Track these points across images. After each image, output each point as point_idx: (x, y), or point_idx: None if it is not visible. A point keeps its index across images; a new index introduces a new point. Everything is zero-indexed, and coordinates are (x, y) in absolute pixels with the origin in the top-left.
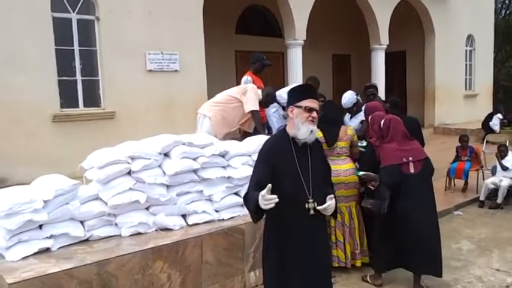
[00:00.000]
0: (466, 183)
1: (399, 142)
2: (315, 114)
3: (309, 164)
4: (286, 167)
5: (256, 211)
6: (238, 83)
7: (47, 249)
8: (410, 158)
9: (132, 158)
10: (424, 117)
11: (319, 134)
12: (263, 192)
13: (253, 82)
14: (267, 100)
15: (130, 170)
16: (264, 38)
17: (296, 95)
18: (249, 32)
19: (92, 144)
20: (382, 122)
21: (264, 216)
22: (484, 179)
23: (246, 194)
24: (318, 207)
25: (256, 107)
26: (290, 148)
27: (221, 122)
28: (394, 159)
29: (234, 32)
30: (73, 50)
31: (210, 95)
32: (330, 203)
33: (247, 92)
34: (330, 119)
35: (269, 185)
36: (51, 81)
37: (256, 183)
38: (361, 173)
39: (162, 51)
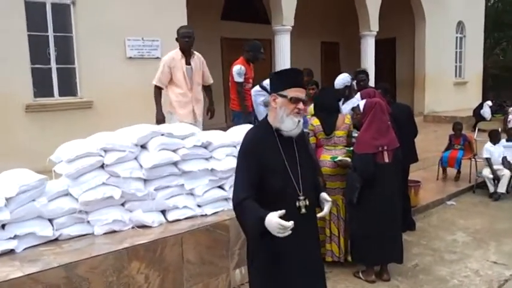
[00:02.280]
0: (458, 172)
1: (378, 129)
2: (301, 105)
3: (297, 157)
4: (272, 161)
5: (260, 232)
6: (224, 70)
7: (11, 251)
8: (385, 147)
9: (105, 151)
10: (414, 105)
11: (316, 122)
12: (280, 221)
13: (246, 72)
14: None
15: (103, 164)
16: (251, 24)
17: (281, 82)
18: (235, 19)
19: (69, 136)
20: (363, 103)
21: None
22: (476, 168)
23: (243, 201)
24: (319, 215)
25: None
26: (275, 140)
27: None
28: (370, 148)
29: (219, 18)
30: (47, 36)
31: None
32: (329, 206)
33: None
34: (328, 107)
35: (283, 211)
36: (23, 69)
37: (252, 185)
38: (338, 158)
39: (143, 38)
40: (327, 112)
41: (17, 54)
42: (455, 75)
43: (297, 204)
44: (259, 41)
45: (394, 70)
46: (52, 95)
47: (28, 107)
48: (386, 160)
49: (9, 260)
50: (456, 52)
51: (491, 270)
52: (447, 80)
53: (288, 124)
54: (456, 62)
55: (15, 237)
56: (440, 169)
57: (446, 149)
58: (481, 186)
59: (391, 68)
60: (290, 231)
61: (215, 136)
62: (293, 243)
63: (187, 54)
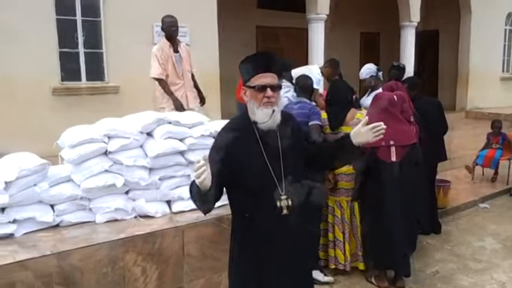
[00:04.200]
0: (495, 172)
1: (384, 122)
2: (269, 92)
3: (280, 151)
4: (249, 157)
5: (200, 197)
6: None
7: (11, 235)
8: (392, 142)
9: (109, 137)
10: (456, 100)
11: (324, 116)
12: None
13: None
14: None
15: (106, 150)
16: (287, 13)
17: (246, 71)
18: (271, 7)
19: (94, 120)
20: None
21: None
22: None
23: (191, 184)
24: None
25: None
26: (253, 133)
27: None
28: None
29: (255, 7)
30: (75, 20)
31: (224, 72)
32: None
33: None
34: (337, 100)
35: (205, 154)
36: (51, 52)
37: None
38: None
39: None
40: (336, 105)
41: (46, 37)
42: (503, 70)
43: (278, 204)
44: (295, 30)
45: (436, 63)
46: (79, 79)
47: (55, 90)
48: (393, 159)
49: (6, 245)
50: (504, 45)
51: None
52: (493, 74)
53: (260, 116)
54: (504, 56)
55: (14, 221)
56: (474, 168)
57: (484, 148)
58: None
59: (434, 61)
60: (207, 178)
61: None
62: (273, 248)
63: (173, 42)
